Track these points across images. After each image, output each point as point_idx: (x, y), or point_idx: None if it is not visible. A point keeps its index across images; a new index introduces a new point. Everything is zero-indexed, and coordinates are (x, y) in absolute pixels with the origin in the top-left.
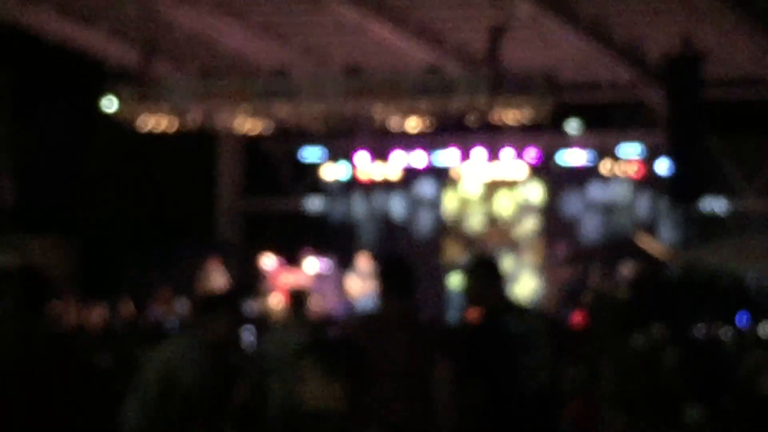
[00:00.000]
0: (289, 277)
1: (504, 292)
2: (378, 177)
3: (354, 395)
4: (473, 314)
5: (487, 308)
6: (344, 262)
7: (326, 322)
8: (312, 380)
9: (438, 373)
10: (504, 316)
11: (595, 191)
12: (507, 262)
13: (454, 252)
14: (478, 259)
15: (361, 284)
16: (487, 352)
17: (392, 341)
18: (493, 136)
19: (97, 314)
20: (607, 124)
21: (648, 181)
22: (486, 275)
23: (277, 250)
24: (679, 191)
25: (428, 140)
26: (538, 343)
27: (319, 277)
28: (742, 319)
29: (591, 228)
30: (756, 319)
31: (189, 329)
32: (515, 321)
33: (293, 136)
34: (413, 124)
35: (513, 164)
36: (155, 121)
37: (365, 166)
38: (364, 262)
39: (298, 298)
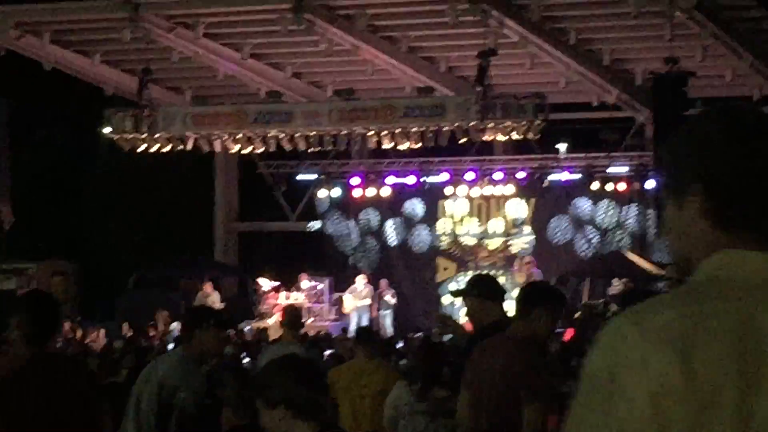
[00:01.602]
0: (284, 296)
1: (501, 310)
2: (371, 198)
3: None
4: (462, 331)
5: (479, 326)
6: (339, 282)
7: (321, 340)
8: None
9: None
10: (488, 335)
11: (585, 209)
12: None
13: (447, 270)
14: (477, 277)
15: (355, 303)
16: (461, 369)
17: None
18: (484, 157)
19: (97, 337)
20: (595, 143)
21: (637, 198)
22: (485, 294)
23: (273, 271)
24: None
25: (420, 161)
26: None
27: (315, 297)
28: None
29: (581, 245)
30: None
31: (181, 346)
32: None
33: (288, 158)
34: (405, 146)
35: (503, 184)
36: (152, 145)
37: (359, 187)
38: (359, 281)
39: (292, 316)
